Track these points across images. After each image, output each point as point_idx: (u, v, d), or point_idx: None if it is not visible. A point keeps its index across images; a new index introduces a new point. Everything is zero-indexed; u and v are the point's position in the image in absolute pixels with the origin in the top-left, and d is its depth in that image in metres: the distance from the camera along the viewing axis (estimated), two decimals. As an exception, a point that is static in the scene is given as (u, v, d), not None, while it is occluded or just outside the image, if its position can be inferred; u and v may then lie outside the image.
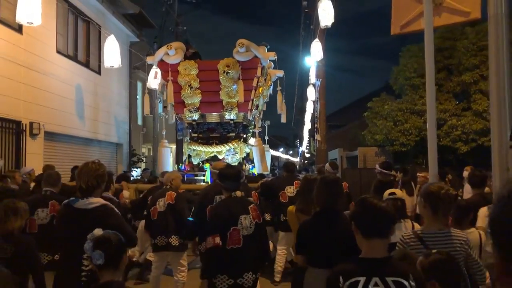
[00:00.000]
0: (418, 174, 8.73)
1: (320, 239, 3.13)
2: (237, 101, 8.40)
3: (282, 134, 58.67)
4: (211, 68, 8.41)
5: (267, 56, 8.50)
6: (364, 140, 16.24)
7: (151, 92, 10.25)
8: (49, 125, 9.31)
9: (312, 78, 15.25)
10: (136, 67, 16.22)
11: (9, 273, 2.31)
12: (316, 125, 14.47)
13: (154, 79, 11.57)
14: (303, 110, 27.07)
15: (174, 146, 17.70)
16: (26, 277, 3.35)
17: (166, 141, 9.32)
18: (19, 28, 8.37)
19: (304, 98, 27.15)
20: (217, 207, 3.95)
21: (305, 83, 24.82)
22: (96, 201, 3.13)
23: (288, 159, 54.70)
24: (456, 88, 13.67)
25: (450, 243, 2.73)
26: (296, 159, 54.44)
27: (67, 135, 10.36)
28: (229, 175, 3.87)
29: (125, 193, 6.85)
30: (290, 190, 6.43)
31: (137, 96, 19.55)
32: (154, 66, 11.55)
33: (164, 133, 9.45)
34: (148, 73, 9.63)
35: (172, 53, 8.59)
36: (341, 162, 17.01)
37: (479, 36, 12.87)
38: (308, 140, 31.78)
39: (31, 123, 8.61)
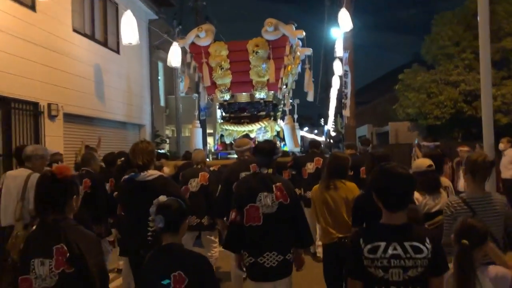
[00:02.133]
0: (459, 148, 8.21)
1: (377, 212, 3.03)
2: (267, 80, 8.47)
3: (307, 113, 57.79)
4: (241, 49, 8.48)
5: (295, 34, 8.52)
6: (395, 114, 15.53)
7: (186, 71, 10.11)
8: (68, 106, 8.97)
9: (339, 51, 14.57)
10: (156, 46, 15.78)
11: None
12: (344, 101, 13.80)
13: (174, 57, 11.22)
14: (328, 87, 26.36)
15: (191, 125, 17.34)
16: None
17: (198, 121, 9.52)
18: (32, 5, 8.00)
19: (329, 74, 26.47)
20: (239, 183, 3.89)
21: (329, 59, 24.12)
22: (154, 173, 3.59)
23: (313, 138, 53.97)
24: (495, 55, 12.77)
25: (492, 206, 3.02)
26: (321, 138, 53.77)
27: (88, 117, 10.03)
28: (262, 150, 3.73)
29: (166, 170, 6.61)
30: (310, 167, 6.74)
31: (159, 77, 19.24)
32: (174, 43, 11.22)
33: (196, 113, 9.75)
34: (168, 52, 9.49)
35: (202, 35, 8.60)
36: (371, 139, 16.38)
37: (520, -2, 11.97)
38: (334, 118, 31.06)
39: (49, 105, 8.28)
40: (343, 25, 10.31)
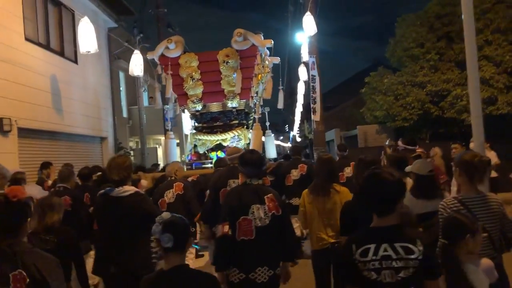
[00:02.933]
0: (452, 145, 8.19)
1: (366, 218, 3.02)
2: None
3: (272, 120, 57.86)
4: (211, 59, 8.65)
5: (264, 44, 8.74)
6: (362, 118, 15.48)
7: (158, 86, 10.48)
8: (23, 120, 8.33)
9: (304, 56, 14.40)
10: (117, 55, 15.21)
11: (54, 258, 2.30)
12: (312, 106, 13.60)
13: (136, 66, 10.75)
14: (292, 94, 26.31)
15: (162, 138, 16.82)
16: (69, 268, 3.62)
17: (172, 132, 9.61)
18: (-22, 13, 7.40)
19: (293, 80, 26.42)
20: (229, 194, 3.69)
21: (293, 66, 24.05)
22: (130, 189, 3.53)
23: (279, 144, 54.11)
24: (458, 56, 12.91)
25: (488, 205, 2.96)
26: (287, 144, 53.81)
27: (45, 131, 9.38)
28: (250, 161, 3.53)
29: (143, 182, 6.88)
30: (295, 173, 6.81)
31: (120, 87, 18.59)
32: (135, 51, 10.81)
33: (169, 124, 9.97)
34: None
35: (172, 47, 8.70)
36: (341, 142, 16.29)
37: (480, -1, 12.12)
38: (300, 124, 31.04)
39: (0, 119, 7.66)
40: (307, 29, 10.20)
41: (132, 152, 15.25)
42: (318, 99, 12.78)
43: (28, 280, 2.08)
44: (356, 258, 2.17)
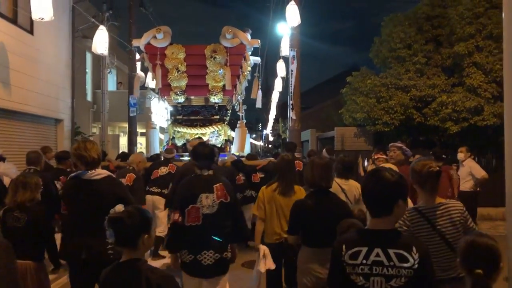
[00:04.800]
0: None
1: (316, 219, 3.43)
2: (223, 85, 8.77)
3: (246, 118, 57.11)
4: (198, 53, 8.73)
5: (252, 44, 8.99)
6: (340, 120, 14.73)
7: (138, 75, 10.46)
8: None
9: (284, 49, 13.58)
10: (84, 35, 14.01)
11: (8, 243, 2.26)
12: (291, 102, 12.79)
13: (100, 43, 9.76)
14: (267, 91, 25.47)
15: (126, 125, 15.72)
16: (42, 246, 3.78)
17: (154, 121, 10.26)
18: None
19: (269, 78, 25.63)
20: (181, 185, 3.96)
21: (270, 64, 23.19)
22: (103, 172, 3.51)
23: (251, 142, 53.36)
24: (446, 61, 12.28)
25: (449, 215, 2.88)
26: (259, 143, 53.09)
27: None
28: (202, 153, 3.84)
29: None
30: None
31: (87, 70, 17.42)
32: (101, 27, 10.09)
33: (151, 114, 11.20)
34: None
35: (160, 36, 8.73)
36: (316, 144, 15.54)
37: (475, 2, 11.46)
38: (274, 122, 30.23)
39: None
40: (290, 19, 9.38)
41: (91, 138, 14.07)
42: (293, 95, 12.03)
43: None
44: (345, 260, 2.07)
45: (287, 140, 14.70)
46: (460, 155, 8.62)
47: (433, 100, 11.95)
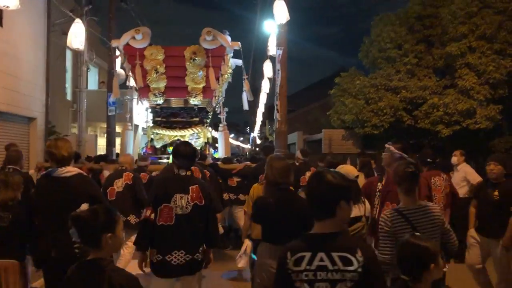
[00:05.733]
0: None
1: (275, 217, 3.49)
2: (203, 87, 8.70)
3: (233, 120, 56.73)
4: (178, 54, 8.62)
5: (232, 46, 8.95)
6: (328, 122, 14.30)
7: (117, 73, 10.15)
8: None
9: (272, 48, 13.12)
10: (64, 32, 13.36)
11: None
12: (277, 103, 12.33)
13: (76, 38, 9.24)
14: (255, 93, 24.94)
15: (104, 124, 15.11)
16: (24, 243, 3.74)
17: (134, 122, 10.18)
18: None
19: (256, 80, 25.17)
20: (157, 182, 4.02)
21: (256, 67, 22.69)
22: (73, 170, 3.55)
23: (238, 145, 52.83)
24: (438, 62, 11.89)
25: (429, 217, 2.97)
26: (246, 146, 52.61)
27: None
28: (183, 153, 3.77)
29: (106, 173, 6.86)
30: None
31: (66, 68, 16.77)
32: (76, 20, 9.36)
33: (128, 116, 10.17)
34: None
35: (139, 37, 8.57)
36: (304, 147, 15.08)
37: (467, 1, 11.08)
38: (261, 125, 29.76)
39: None
40: (278, 16, 8.92)
41: (68, 138, 13.43)
42: (278, 95, 11.56)
43: None
44: (290, 267, 2.00)
45: (274, 143, 14.24)
46: (454, 159, 8.17)
47: (424, 102, 11.57)
